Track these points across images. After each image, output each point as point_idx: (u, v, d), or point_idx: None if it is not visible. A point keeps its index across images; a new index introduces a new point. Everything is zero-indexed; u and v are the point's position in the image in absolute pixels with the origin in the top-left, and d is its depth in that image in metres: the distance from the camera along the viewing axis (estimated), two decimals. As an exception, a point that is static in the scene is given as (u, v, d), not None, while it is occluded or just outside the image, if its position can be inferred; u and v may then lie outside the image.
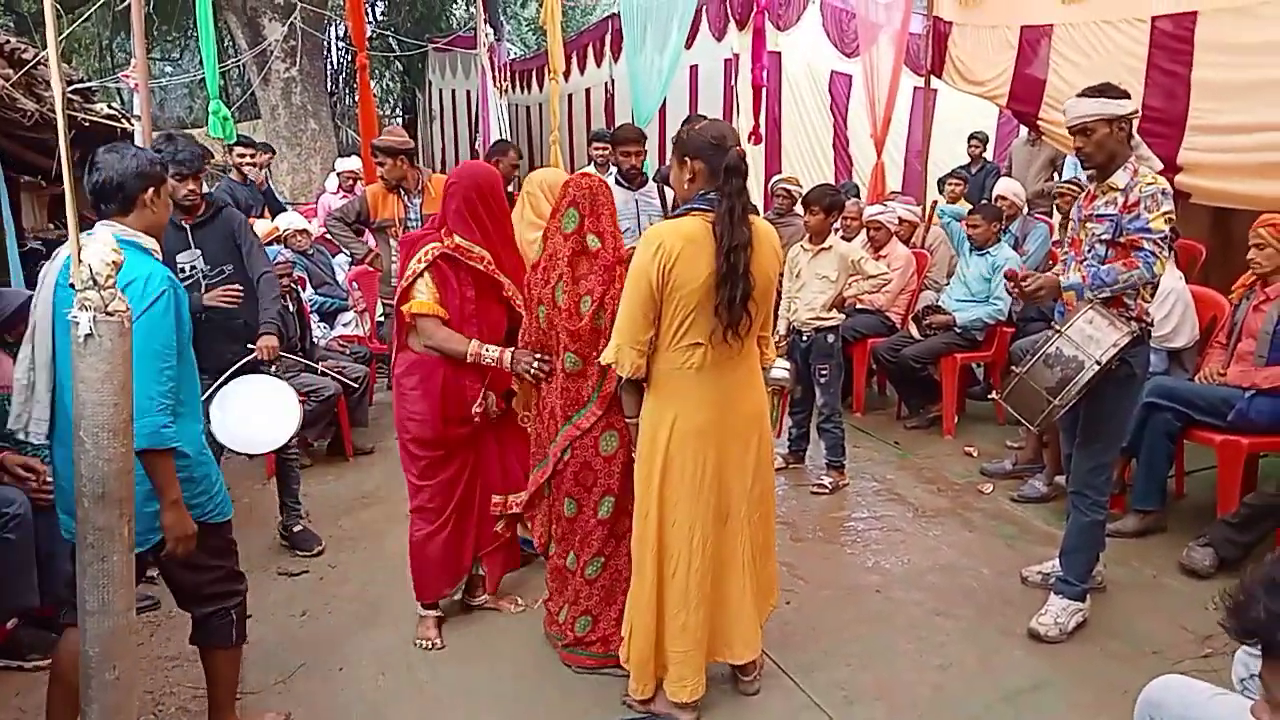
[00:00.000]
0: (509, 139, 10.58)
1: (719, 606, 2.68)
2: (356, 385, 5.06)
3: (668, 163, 3.14)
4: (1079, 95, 3.07)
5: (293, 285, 5.02)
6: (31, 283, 4.23)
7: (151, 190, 2.41)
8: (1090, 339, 2.94)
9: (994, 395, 3.52)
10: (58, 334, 2.40)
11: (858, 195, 7.36)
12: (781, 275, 4.91)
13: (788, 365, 4.46)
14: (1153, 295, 3.15)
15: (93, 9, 6.99)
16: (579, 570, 2.94)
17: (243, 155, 6.77)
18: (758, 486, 2.69)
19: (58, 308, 2.38)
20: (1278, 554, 1.20)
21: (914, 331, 5.46)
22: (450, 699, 2.90)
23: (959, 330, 5.27)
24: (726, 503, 2.64)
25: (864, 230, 5.91)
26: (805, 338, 4.61)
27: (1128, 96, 3.03)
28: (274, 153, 6.96)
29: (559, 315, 2.77)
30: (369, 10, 14.76)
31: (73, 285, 2.13)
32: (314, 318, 5.31)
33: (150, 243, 2.42)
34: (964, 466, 4.87)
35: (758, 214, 2.63)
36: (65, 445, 2.34)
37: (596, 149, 6.36)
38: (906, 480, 4.72)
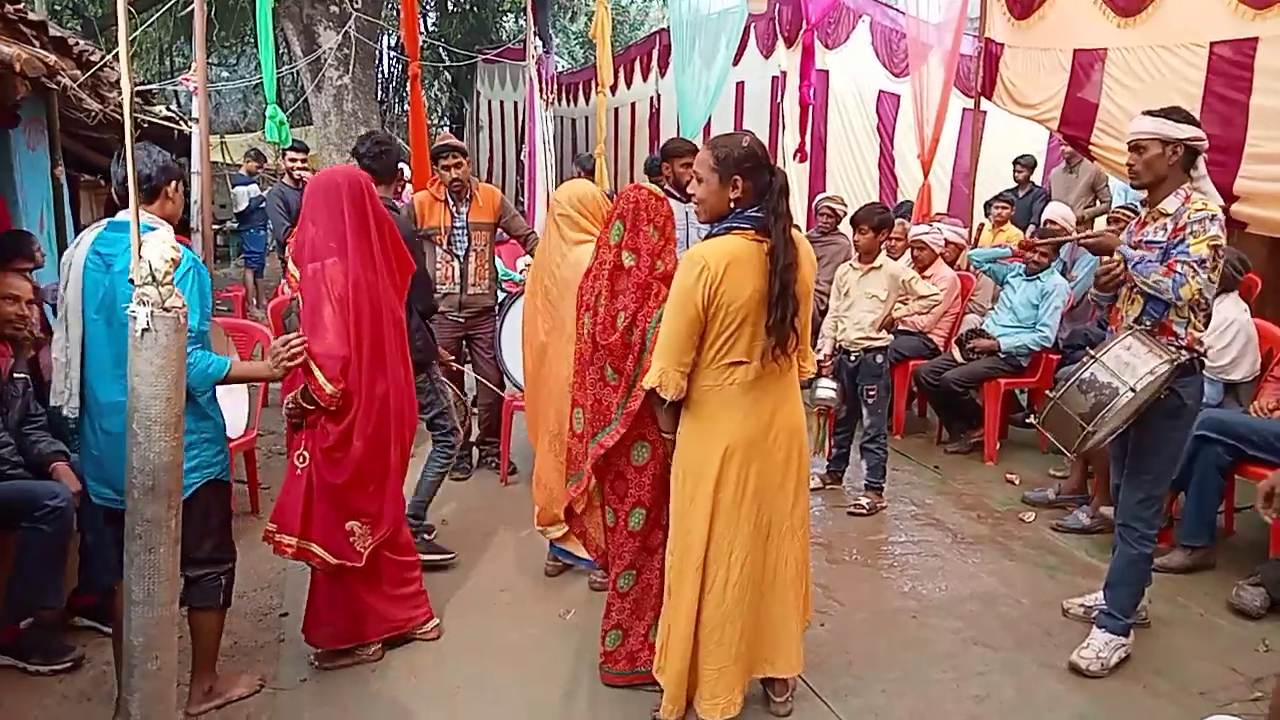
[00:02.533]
0: (553, 151, 10.67)
1: (760, 622, 2.66)
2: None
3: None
4: (1144, 113, 3.02)
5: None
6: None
7: (173, 184, 2.69)
8: (1126, 365, 2.88)
9: (1031, 419, 3.47)
10: (87, 313, 2.58)
11: (908, 215, 7.32)
12: (826, 295, 4.90)
13: (834, 385, 4.45)
14: (1206, 324, 3.07)
15: (158, 14, 7.19)
16: (611, 582, 2.93)
17: (294, 160, 6.91)
18: (799, 504, 2.68)
19: (87, 289, 2.56)
20: None
21: (957, 355, 5.40)
22: (479, 706, 2.90)
23: (1003, 355, 5.20)
24: (768, 518, 2.63)
25: (909, 250, 5.86)
26: (853, 358, 4.57)
27: (1194, 124, 2.97)
28: (307, 151, 7.09)
29: (596, 325, 2.79)
30: (422, 20, 15.01)
31: (132, 280, 2.19)
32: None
33: (168, 228, 2.55)
34: (1005, 494, 4.79)
35: (797, 229, 2.63)
36: (92, 416, 2.61)
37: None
38: (946, 505, 4.65)
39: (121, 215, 2.58)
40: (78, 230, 6.50)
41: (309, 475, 2.93)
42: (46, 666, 3.00)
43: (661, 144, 5.07)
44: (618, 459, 2.82)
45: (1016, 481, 4.93)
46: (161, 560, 2.19)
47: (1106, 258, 3.04)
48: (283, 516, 2.95)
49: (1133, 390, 2.84)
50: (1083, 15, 5.95)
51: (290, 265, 2.97)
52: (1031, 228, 6.50)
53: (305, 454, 2.94)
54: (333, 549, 2.94)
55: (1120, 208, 5.77)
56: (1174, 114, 2.97)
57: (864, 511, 4.48)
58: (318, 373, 2.79)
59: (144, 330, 2.10)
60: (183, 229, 3.02)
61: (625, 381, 2.75)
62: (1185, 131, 2.94)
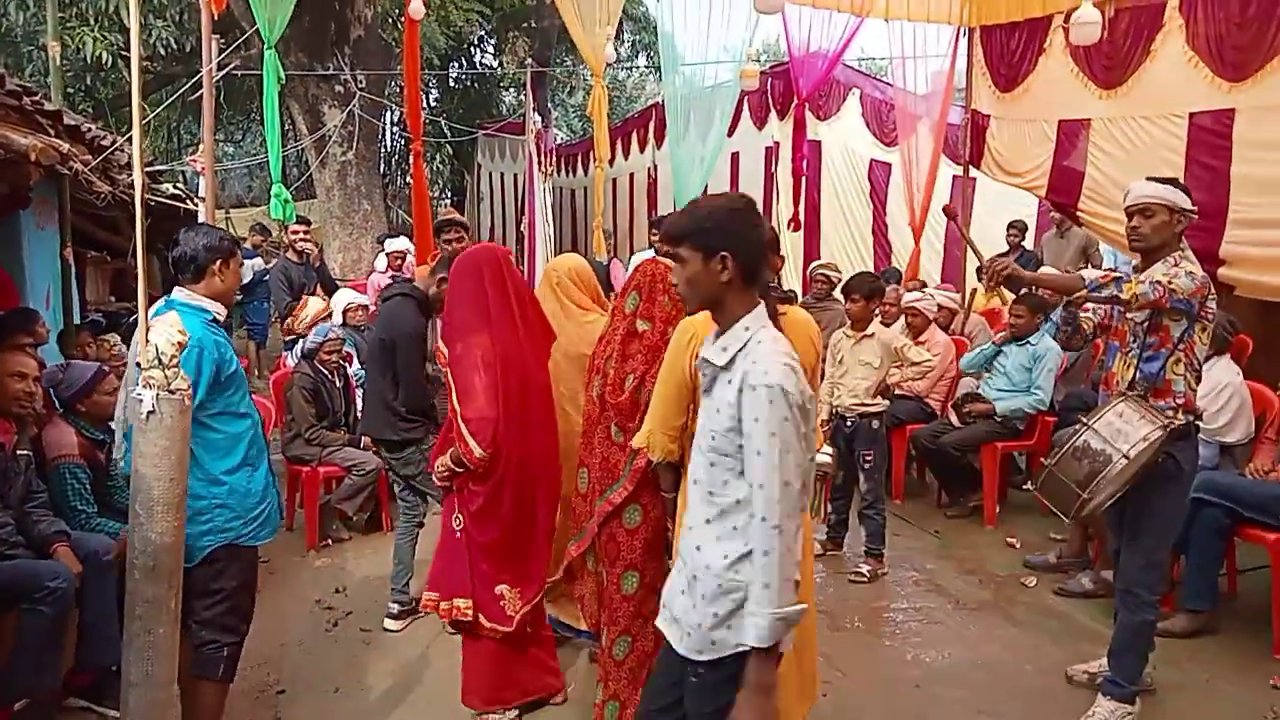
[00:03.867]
0: (552, 221, 10.86)
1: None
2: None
3: None
4: (1147, 179, 3.12)
5: (340, 361, 5.15)
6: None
7: (218, 262, 2.71)
8: (1119, 433, 2.92)
9: (1028, 486, 3.49)
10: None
11: (899, 281, 7.42)
12: (823, 360, 4.96)
13: (830, 451, 4.46)
14: (1198, 383, 3.12)
15: (170, 100, 7.42)
16: (607, 649, 2.92)
17: (296, 232, 7.06)
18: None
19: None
20: None
21: (954, 419, 5.43)
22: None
23: (999, 419, 5.23)
24: None
25: (902, 316, 5.94)
26: (849, 423, 4.61)
27: (1190, 197, 3.06)
28: (310, 224, 7.29)
29: (606, 386, 2.86)
30: (424, 98, 15.42)
31: (139, 364, 2.24)
32: (359, 392, 5.43)
33: (214, 306, 2.71)
34: (1006, 558, 4.77)
35: (794, 302, 2.68)
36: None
37: (656, 234, 6.50)
38: (947, 571, 4.63)
39: (176, 293, 2.70)
40: (83, 306, 6.62)
41: (465, 538, 3.03)
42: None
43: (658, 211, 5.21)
44: (610, 520, 2.85)
45: (1017, 545, 4.91)
46: (160, 641, 2.20)
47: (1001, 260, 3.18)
48: (439, 579, 3.07)
49: (1126, 457, 2.87)
50: (1066, 87, 6.15)
51: (440, 344, 3.10)
52: (1024, 291, 6.57)
53: (460, 516, 3.04)
54: (485, 612, 3.02)
55: (1108, 269, 5.86)
56: (1177, 184, 3.08)
57: (864, 579, 4.46)
58: (469, 437, 2.89)
59: (149, 412, 2.15)
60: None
61: (630, 440, 2.80)
62: (1188, 203, 3.04)
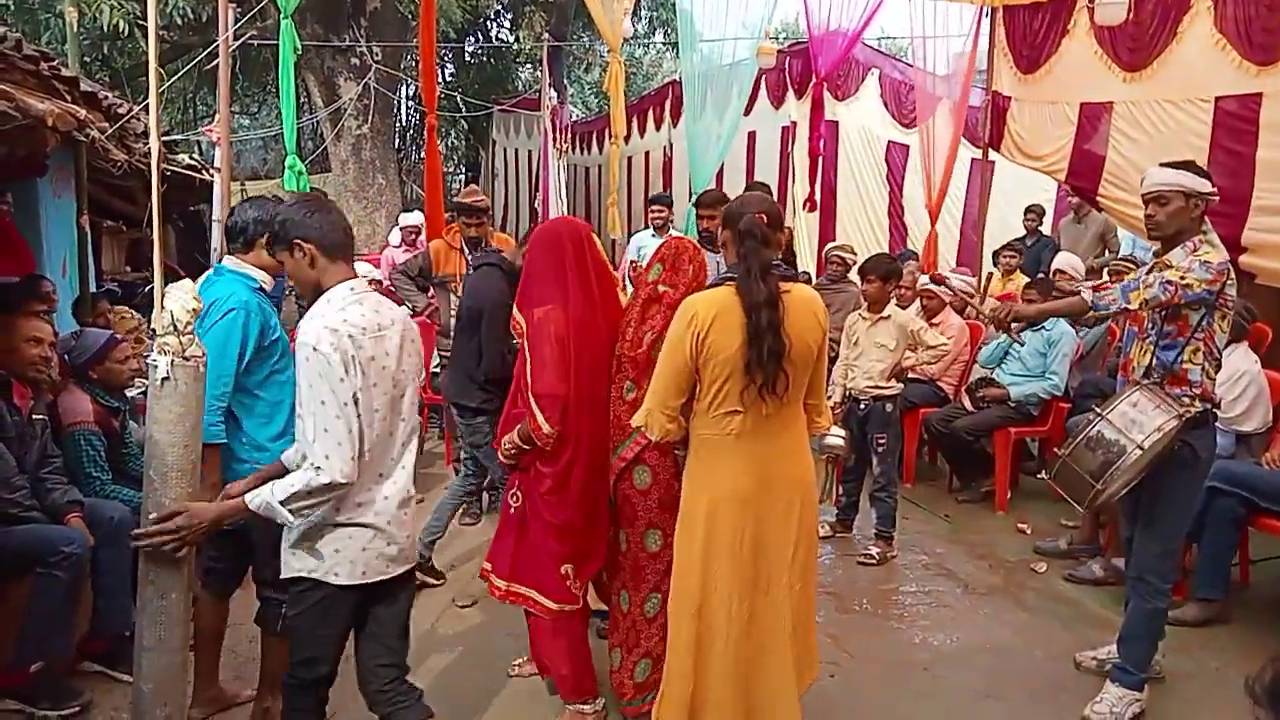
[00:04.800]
0: (566, 199, 10.84)
1: (758, 679, 2.62)
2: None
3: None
4: (1161, 165, 3.07)
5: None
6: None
7: (268, 234, 2.72)
8: (1133, 423, 2.89)
9: (1042, 475, 3.46)
10: None
11: (916, 259, 7.36)
12: (837, 342, 4.94)
13: (842, 433, 4.45)
14: (1217, 371, 3.08)
15: (186, 69, 7.40)
16: (634, 609, 2.93)
17: (312, 207, 7.04)
18: (800, 555, 2.64)
19: None
20: None
21: (967, 403, 5.40)
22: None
23: (1013, 404, 5.20)
24: (767, 572, 2.59)
25: (918, 299, 5.90)
26: (863, 406, 4.59)
27: (1209, 179, 3.02)
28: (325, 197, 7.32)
29: (624, 344, 2.89)
30: (439, 72, 15.34)
31: (153, 331, 2.24)
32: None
33: (261, 275, 2.82)
34: (1017, 543, 4.76)
35: (796, 280, 2.66)
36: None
37: (654, 212, 6.48)
38: (957, 555, 4.62)
39: (225, 260, 2.82)
40: (99, 275, 6.64)
41: (521, 516, 2.94)
42: (54, 711, 3.00)
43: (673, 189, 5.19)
44: (621, 482, 2.89)
45: (1028, 531, 4.89)
46: (174, 606, 2.21)
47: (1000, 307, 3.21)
48: (497, 559, 3.00)
49: (1140, 448, 2.85)
50: (1089, 69, 6.05)
51: (515, 312, 2.99)
52: (1041, 276, 6.52)
53: (519, 494, 2.95)
54: (550, 593, 2.90)
55: (1122, 258, 5.80)
56: (1192, 167, 3.02)
57: (874, 561, 4.46)
58: (539, 413, 2.78)
59: (164, 379, 2.15)
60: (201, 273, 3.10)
61: (641, 397, 2.80)
62: (1206, 186, 2.98)
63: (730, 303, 2.47)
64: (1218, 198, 3.06)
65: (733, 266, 2.54)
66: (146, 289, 4.94)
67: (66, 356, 3.48)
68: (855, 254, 6.50)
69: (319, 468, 2.07)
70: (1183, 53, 5.36)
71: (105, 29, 10.15)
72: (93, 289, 5.53)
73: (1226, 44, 5.08)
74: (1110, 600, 3.97)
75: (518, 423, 2.89)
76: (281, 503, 2.07)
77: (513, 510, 2.97)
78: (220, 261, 2.84)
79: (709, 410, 2.52)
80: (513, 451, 2.90)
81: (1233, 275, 3.01)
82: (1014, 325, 3.26)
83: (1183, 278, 2.88)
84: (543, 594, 2.90)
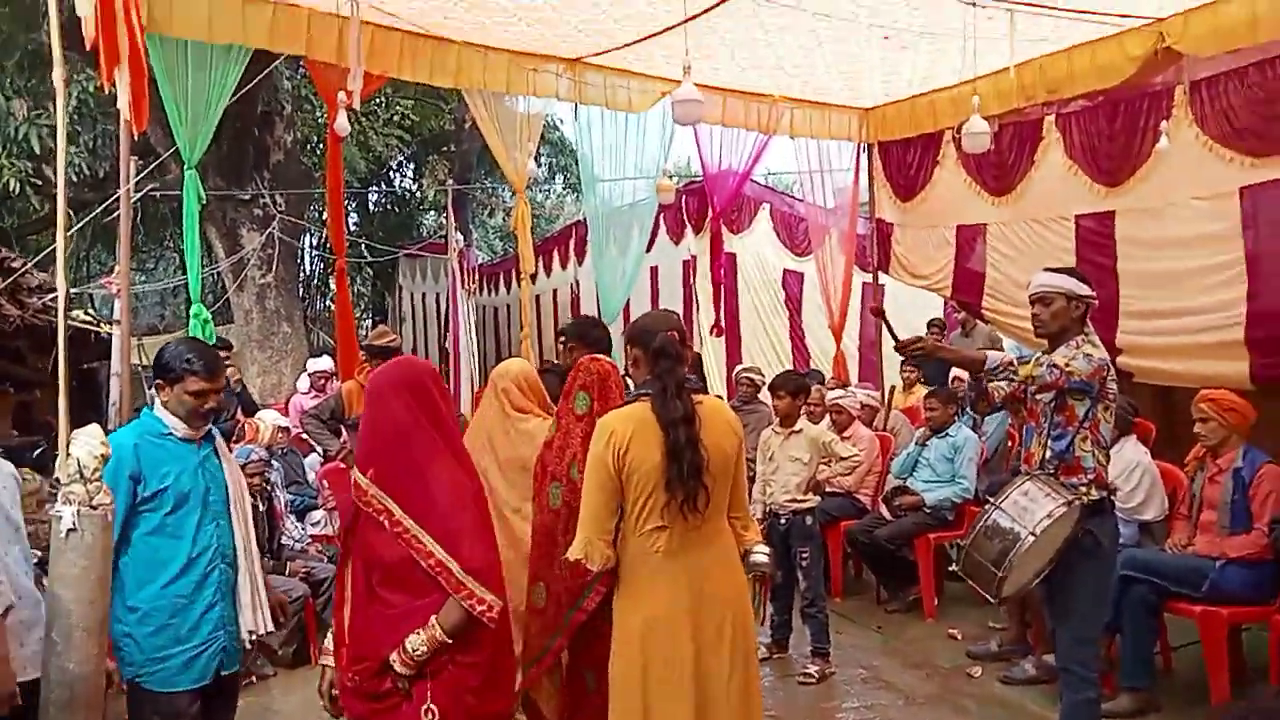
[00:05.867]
0: (476, 339, 10.89)
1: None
2: (325, 587, 4.92)
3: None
4: (1046, 269, 3.34)
5: (265, 485, 4.97)
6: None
7: (160, 381, 2.71)
8: (1025, 511, 3.02)
9: (953, 567, 3.53)
10: None
11: (823, 382, 7.62)
12: (753, 461, 5.02)
13: (767, 549, 4.42)
14: (1107, 461, 3.26)
15: (82, 223, 7.29)
16: None
17: (216, 357, 6.89)
18: (738, 675, 2.55)
19: None
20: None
21: (885, 512, 5.51)
22: None
23: (929, 510, 5.33)
24: (706, 692, 2.50)
25: (827, 414, 6.08)
26: (783, 520, 4.63)
27: (1090, 285, 3.28)
28: (231, 348, 7.20)
29: (575, 493, 2.79)
30: (345, 221, 15.52)
31: (58, 480, 2.14)
32: (291, 518, 5.23)
33: (171, 421, 2.68)
34: (949, 649, 4.78)
35: (705, 393, 2.73)
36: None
37: (562, 342, 6.55)
38: (893, 666, 4.60)
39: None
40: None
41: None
42: None
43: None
44: (595, 619, 2.74)
45: (959, 636, 4.93)
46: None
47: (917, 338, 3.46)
48: None
49: (1033, 534, 2.96)
50: (961, 195, 6.59)
51: (356, 478, 2.38)
52: (936, 387, 6.83)
53: (434, 709, 2.26)
54: None
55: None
56: (1074, 273, 3.30)
57: (813, 680, 4.40)
58: (479, 588, 2.21)
59: (69, 530, 2.04)
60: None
61: None
62: (1085, 290, 3.23)
63: (646, 418, 2.49)
64: (1096, 302, 3.34)
65: (645, 384, 2.59)
66: (36, 452, 4.66)
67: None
68: (763, 374, 6.70)
69: None
70: (1041, 177, 5.92)
71: (-5, 188, 9.97)
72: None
73: (1077, 169, 5.64)
74: (1045, 700, 4.00)
75: (405, 626, 2.23)
76: None
77: None
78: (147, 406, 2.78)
79: (635, 529, 2.50)
80: (425, 654, 2.22)
81: (1113, 372, 3.24)
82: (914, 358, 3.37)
83: (1066, 364, 3.10)
84: None
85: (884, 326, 3.89)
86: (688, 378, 2.58)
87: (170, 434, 2.66)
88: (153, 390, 2.78)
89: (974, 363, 3.40)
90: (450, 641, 2.22)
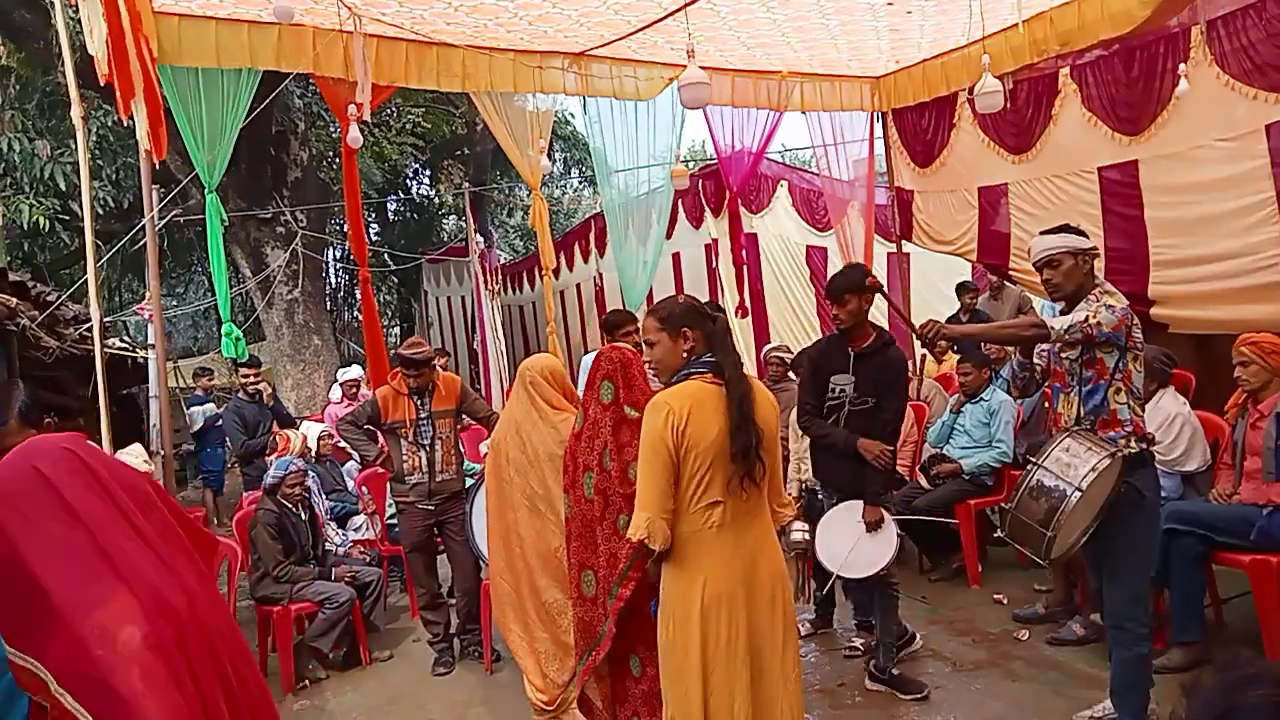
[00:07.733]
0: (503, 338, 10.95)
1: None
2: (371, 590, 5.01)
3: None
4: (1041, 234, 3.29)
5: (304, 494, 5.05)
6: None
7: None
8: (1068, 466, 2.98)
9: (999, 533, 3.47)
10: None
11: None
12: (785, 438, 5.01)
13: (805, 526, 4.44)
14: (1143, 410, 3.21)
15: (110, 253, 7.43)
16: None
17: (247, 376, 7.01)
18: (789, 646, 2.63)
19: None
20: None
21: (923, 482, 5.48)
22: None
23: (968, 476, 5.29)
24: (760, 665, 2.57)
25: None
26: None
27: (1085, 235, 3.23)
28: (259, 366, 7.34)
29: (609, 480, 2.82)
30: (366, 231, 15.69)
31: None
32: (332, 525, 5.33)
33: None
34: (996, 615, 4.75)
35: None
36: None
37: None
38: (940, 634, 4.58)
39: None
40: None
41: None
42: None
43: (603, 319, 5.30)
44: (640, 604, 2.78)
45: (1004, 601, 4.89)
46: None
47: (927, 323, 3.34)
48: None
49: (1080, 490, 2.92)
50: (980, 157, 6.51)
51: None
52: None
53: None
54: None
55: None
56: (1068, 228, 3.25)
57: (859, 652, 4.38)
58: None
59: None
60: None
61: None
62: (1086, 242, 3.20)
63: (702, 395, 2.53)
64: (1098, 251, 3.29)
65: (696, 360, 2.61)
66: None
67: None
68: (792, 352, 6.67)
69: None
70: (1060, 132, 5.83)
71: (25, 226, 10.20)
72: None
73: (1097, 120, 5.54)
74: (1096, 658, 3.96)
75: None
76: None
77: None
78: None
79: (690, 505, 2.52)
80: None
81: (1136, 320, 3.18)
82: (939, 345, 3.32)
83: (1093, 317, 3.06)
84: None
85: (887, 302, 3.82)
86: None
87: None
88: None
89: (1017, 338, 3.34)
90: None
